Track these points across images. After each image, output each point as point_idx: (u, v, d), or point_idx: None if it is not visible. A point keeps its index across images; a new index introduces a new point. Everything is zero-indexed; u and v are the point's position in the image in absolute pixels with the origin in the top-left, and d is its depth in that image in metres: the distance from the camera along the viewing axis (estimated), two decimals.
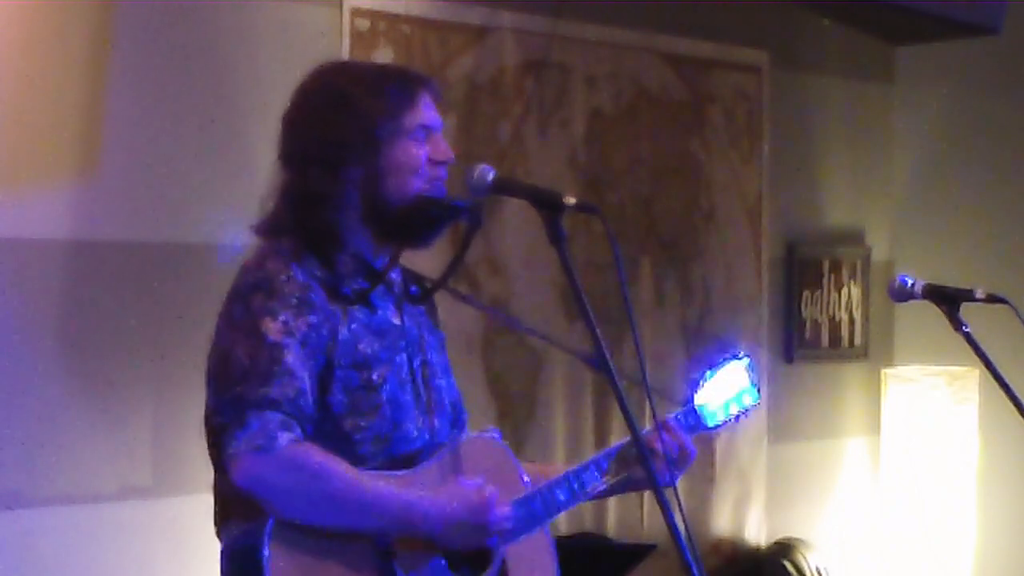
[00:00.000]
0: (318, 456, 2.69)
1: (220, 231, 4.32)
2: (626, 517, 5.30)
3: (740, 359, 3.29)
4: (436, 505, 2.75)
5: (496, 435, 3.02)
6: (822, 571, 5.95)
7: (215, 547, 2.81)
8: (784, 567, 5.88)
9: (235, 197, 4.33)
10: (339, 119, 2.84)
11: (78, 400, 4.09)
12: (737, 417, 3.28)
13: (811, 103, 6.26)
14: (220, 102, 4.36)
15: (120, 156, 4.16)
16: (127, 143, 4.17)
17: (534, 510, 2.91)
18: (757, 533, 5.97)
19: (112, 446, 4.14)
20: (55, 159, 4.07)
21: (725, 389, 3.26)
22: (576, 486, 2.98)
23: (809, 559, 5.94)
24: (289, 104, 2.92)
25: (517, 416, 5.15)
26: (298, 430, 2.68)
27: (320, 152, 2.84)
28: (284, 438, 2.66)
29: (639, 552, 3.61)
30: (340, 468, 2.70)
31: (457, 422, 3.01)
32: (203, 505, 2.90)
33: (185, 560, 4.19)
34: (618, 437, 5.27)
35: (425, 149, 2.86)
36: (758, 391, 3.32)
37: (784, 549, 5.95)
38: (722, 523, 5.84)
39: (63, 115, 4.07)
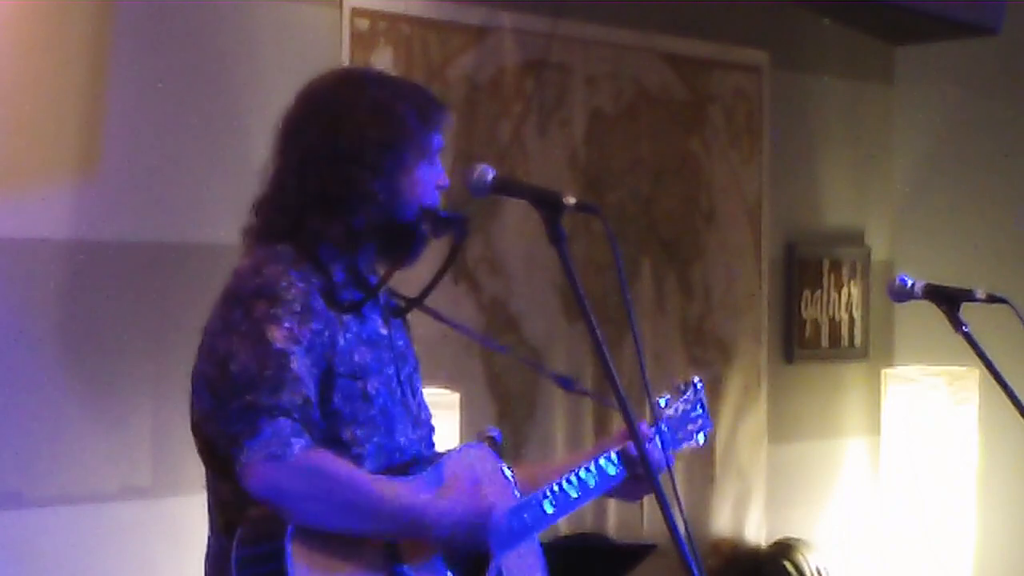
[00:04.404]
0: (332, 462, 2.67)
1: (220, 231, 4.33)
2: (626, 517, 5.29)
3: (696, 386, 3.33)
4: (445, 512, 2.75)
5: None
6: (822, 571, 5.94)
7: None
8: (784, 567, 5.88)
9: (235, 197, 4.32)
10: (382, 127, 2.80)
11: (78, 400, 4.09)
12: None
13: (811, 103, 6.26)
14: (220, 102, 4.36)
15: (120, 156, 4.16)
16: (127, 143, 4.17)
17: (526, 520, 2.93)
18: (757, 533, 5.97)
19: (112, 446, 4.14)
20: (55, 159, 4.07)
21: (685, 418, 3.30)
22: (570, 491, 3.01)
23: (809, 559, 5.93)
24: (307, 103, 2.87)
25: (517, 416, 5.15)
26: (308, 437, 2.66)
27: (355, 153, 2.79)
28: (297, 445, 2.63)
29: (639, 552, 3.60)
30: (355, 474, 2.70)
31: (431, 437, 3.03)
32: (203, 505, 2.90)
33: (185, 560, 4.18)
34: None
35: (436, 174, 2.87)
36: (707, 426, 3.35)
37: (784, 549, 5.95)
38: (722, 523, 5.84)
39: (63, 115, 4.07)
